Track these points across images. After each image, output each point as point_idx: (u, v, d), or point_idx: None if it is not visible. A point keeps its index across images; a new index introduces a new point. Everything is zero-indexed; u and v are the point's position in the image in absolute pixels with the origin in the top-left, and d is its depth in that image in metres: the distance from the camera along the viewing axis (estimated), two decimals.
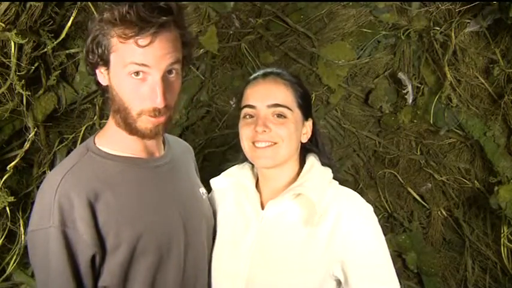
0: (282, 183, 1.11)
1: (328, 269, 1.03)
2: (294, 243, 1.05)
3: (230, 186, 1.22)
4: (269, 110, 1.06)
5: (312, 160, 1.13)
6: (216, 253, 1.16)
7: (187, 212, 1.08)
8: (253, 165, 1.18)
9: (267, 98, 1.07)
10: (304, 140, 1.14)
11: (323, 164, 1.14)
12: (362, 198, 1.09)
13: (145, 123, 0.96)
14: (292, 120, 1.07)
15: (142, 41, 0.89)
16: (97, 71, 0.99)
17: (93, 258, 0.92)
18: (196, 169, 1.31)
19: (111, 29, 0.91)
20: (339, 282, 1.06)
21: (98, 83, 1.02)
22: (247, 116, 1.10)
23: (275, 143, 1.06)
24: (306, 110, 1.12)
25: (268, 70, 1.14)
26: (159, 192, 1.04)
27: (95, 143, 1.02)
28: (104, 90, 1.03)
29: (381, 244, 1.05)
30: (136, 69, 0.91)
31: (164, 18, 0.90)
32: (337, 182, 1.13)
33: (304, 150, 1.16)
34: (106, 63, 0.95)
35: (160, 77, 0.92)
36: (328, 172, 1.13)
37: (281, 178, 1.12)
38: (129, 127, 0.97)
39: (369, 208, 1.08)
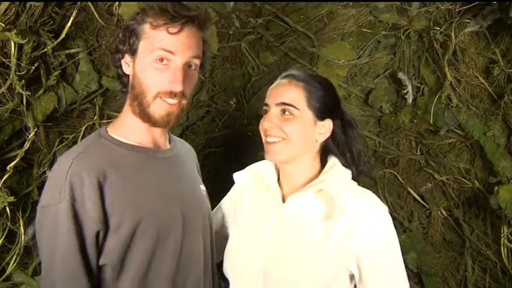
0: (302, 180, 1.18)
1: (342, 263, 1.09)
2: (311, 236, 1.11)
3: (252, 180, 1.29)
4: (277, 108, 1.15)
5: (333, 160, 1.19)
6: (235, 244, 1.24)
7: (186, 204, 1.15)
8: None
9: (277, 97, 1.16)
10: (321, 139, 1.19)
11: (343, 165, 1.20)
12: (379, 199, 1.15)
13: (159, 109, 1.06)
14: (299, 119, 1.14)
15: (173, 29, 1.02)
16: (122, 61, 1.10)
17: (97, 234, 0.99)
18: (198, 169, 1.36)
19: (145, 17, 1.05)
20: (351, 277, 1.11)
21: (119, 76, 1.14)
22: (264, 112, 1.20)
23: (283, 139, 1.14)
24: (321, 111, 1.17)
25: (288, 73, 1.22)
26: (162, 181, 1.12)
27: (106, 131, 1.11)
28: (122, 81, 1.15)
29: (396, 244, 1.12)
30: (162, 55, 1.03)
31: (193, 13, 1.05)
32: (355, 183, 1.19)
33: (326, 151, 1.22)
34: (134, 51, 1.07)
35: (182, 64, 1.04)
36: (348, 173, 1.19)
37: (300, 175, 1.19)
38: (143, 113, 1.06)
39: (385, 209, 1.14)
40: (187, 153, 1.32)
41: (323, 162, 1.20)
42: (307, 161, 1.18)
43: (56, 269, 0.97)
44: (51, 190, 1.00)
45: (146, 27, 1.05)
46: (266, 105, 1.19)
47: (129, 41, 1.06)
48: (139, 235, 1.03)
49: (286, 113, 1.14)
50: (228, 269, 1.23)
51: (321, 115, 1.17)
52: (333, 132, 1.20)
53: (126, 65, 1.10)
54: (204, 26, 1.10)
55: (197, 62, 1.09)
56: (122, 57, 1.10)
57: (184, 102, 1.09)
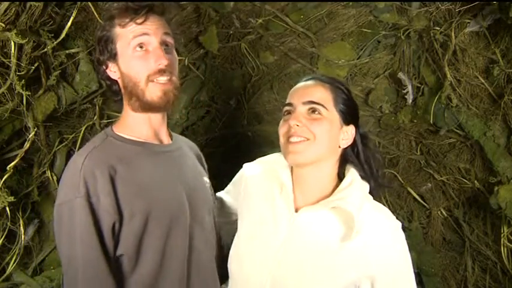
0: (317, 189, 1.12)
1: (353, 281, 1.05)
2: (325, 253, 1.07)
3: (263, 174, 1.23)
4: (304, 107, 1.10)
5: (353, 173, 1.12)
6: (244, 246, 1.19)
7: (191, 191, 1.21)
8: None
9: (304, 96, 1.11)
10: (344, 145, 1.13)
11: (362, 177, 1.13)
12: (393, 215, 1.12)
13: (154, 91, 1.12)
14: (326, 119, 1.09)
15: (139, 19, 1.11)
16: (107, 71, 1.17)
17: (113, 226, 1.04)
18: (203, 163, 1.42)
19: (112, 22, 1.13)
20: None
21: (109, 87, 1.22)
22: (286, 113, 1.14)
23: (307, 139, 1.07)
24: (347, 115, 1.13)
25: (311, 76, 1.19)
26: (166, 172, 1.18)
27: (113, 130, 1.18)
28: (113, 91, 1.21)
29: (410, 263, 1.09)
30: (139, 41, 1.11)
31: (152, 2, 1.13)
32: (371, 197, 1.14)
33: (344, 160, 1.16)
34: (114, 56, 1.14)
35: (159, 43, 1.12)
36: (366, 187, 1.13)
37: (316, 184, 1.12)
38: (142, 102, 1.13)
39: (399, 225, 1.10)
40: (189, 149, 1.36)
41: (339, 172, 1.15)
42: (327, 167, 1.12)
43: (77, 262, 1.02)
44: (66, 188, 1.06)
45: (117, 30, 1.13)
46: (290, 105, 1.13)
47: (107, 49, 1.14)
48: (151, 223, 1.08)
49: (316, 112, 1.09)
50: (234, 270, 1.20)
51: (346, 119, 1.12)
52: (354, 141, 1.15)
53: (112, 72, 1.17)
54: (163, 11, 1.17)
55: (171, 40, 1.16)
56: (106, 67, 1.17)
57: (174, 79, 1.15)
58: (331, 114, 1.10)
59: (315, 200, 1.11)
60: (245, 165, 1.29)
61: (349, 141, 1.14)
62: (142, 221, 1.07)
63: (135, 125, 1.18)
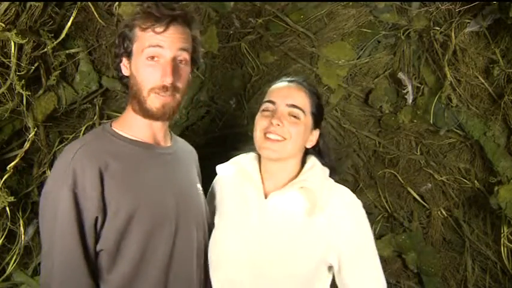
0: (283, 178, 1.23)
1: (322, 256, 1.17)
2: (294, 231, 1.18)
3: (235, 173, 1.32)
4: (286, 109, 1.20)
5: (314, 159, 1.26)
6: (219, 238, 1.26)
7: (181, 197, 1.21)
8: (259, 156, 1.29)
9: (287, 98, 1.21)
10: (309, 146, 1.26)
11: (323, 164, 1.27)
12: (353, 194, 1.24)
13: (154, 102, 1.13)
14: (303, 123, 1.20)
15: (159, 28, 1.10)
16: (121, 65, 1.18)
17: (95, 221, 1.05)
18: (198, 170, 1.42)
19: (134, 22, 1.13)
20: (329, 269, 1.21)
21: (120, 79, 1.22)
22: (266, 110, 1.23)
23: (284, 139, 1.18)
24: (317, 119, 1.26)
25: (294, 78, 1.29)
26: (158, 174, 1.18)
27: (111, 126, 1.19)
28: (123, 83, 1.22)
29: (371, 236, 1.22)
30: (152, 52, 1.10)
31: (177, 12, 1.13)
32: (332, 180, 1.27)
33: (306, 153, 1.29)
34: (129, 54, 1.15)
35: (171, 58, 1.11)
36: (327, 171, 1.27)
37: (283, 173, 1.23)
38: (142, 108, 1.14)
39: (360, 203, 1.23)
40: (187, 154, 1.38)
41: (303, 163, 1.27)
42: (292, 161, 1.24)
43: (55, 252, 1.03)
44: (55, 177, 1.07)
45: (137, 31, 1.13)
46: (272, 102, 1.22)
47: (123, 45, 1.15)
48: (135, 222, 1.08)
49: (296, 115, 1.19)
50: (213, 261, 1.26)
51: (315, 123, 1.25)
52: (317, 142, 1.29)
53: (125, 67, 1.18)
54: (190, 23, 1.17)
55: (186, 56, 1.16)
56: (121, 61, 1.18)
57: (178, 96, 1.16)
58: (307, 118, 1.22)
59: (282, 185, 1.22)
60: (217, 166, 1.36)
61: (313, 143, 1.28)
62: (125, 218, 1.07)
63: (134, 125, 1.19)
